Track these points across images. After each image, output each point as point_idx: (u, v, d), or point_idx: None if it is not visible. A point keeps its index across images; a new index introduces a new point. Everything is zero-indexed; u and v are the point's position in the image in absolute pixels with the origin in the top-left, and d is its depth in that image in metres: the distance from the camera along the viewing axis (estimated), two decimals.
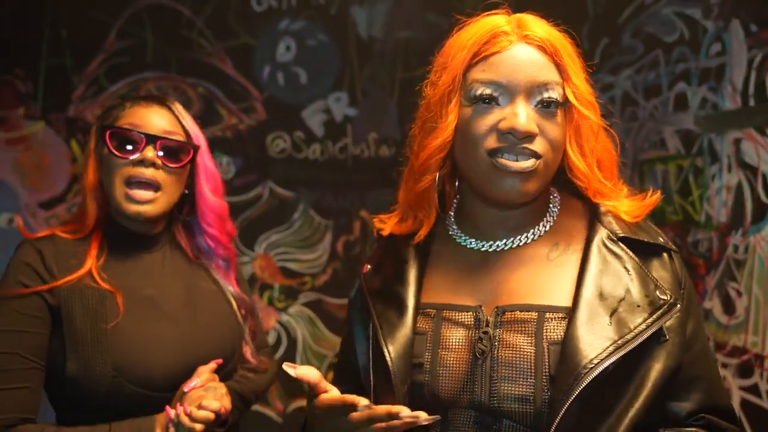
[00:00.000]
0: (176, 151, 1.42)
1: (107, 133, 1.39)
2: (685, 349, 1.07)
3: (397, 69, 2.77)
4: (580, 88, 1.08)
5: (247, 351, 1.54)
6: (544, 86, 1.06)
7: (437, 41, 3.06)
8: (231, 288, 1.54)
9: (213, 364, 1.40)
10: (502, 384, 1.03)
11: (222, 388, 1.37)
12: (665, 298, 1.05)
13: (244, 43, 2.68)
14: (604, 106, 1.15)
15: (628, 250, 1.09)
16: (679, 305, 1.05)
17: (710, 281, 2.03)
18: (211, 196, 1.49)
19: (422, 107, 1.18)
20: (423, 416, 0.97)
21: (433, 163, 1.15)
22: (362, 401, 0.98)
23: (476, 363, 1.05)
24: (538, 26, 1.10)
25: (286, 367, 1.02)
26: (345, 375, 1.29)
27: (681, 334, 1.06)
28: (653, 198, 1.15)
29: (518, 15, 1.13)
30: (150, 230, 1.46)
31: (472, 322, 1.09)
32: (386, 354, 1.08)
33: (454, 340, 1.08)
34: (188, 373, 1.37)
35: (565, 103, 1.08)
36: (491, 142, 1.07)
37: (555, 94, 1.06)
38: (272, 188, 2.75)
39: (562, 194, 1.19)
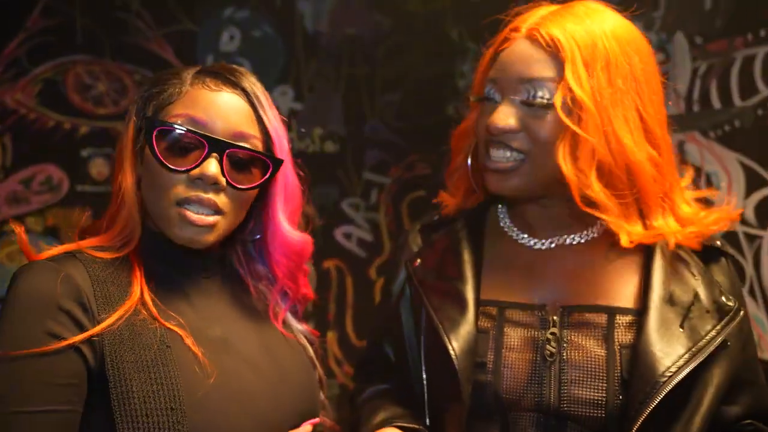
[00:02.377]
0: (249, 165, 1.03)
1: (155, 131, 1.00)
2: (741, 354, 1.08)
3: (343, 65, 2.75)
4: (576, 89, 1.01)
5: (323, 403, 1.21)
6: (530, 83, 1.04)
7: (381, 40, 3.08)
8: (299, 326, 1.20)
9: (308, 427, 1.08)
10: (573, 387, 1.02)
11: None
12: (731, 304, 1.05)
13: (186, 30, 2.54)
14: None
15: (693, 255, 1.09)
16: (742, 311, 1.07)
17: None
18: (288, 227, 1.11)
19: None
20: None
21: (460, 147, 1.20)
22: None
23: (544, 365, 1.04)
24: (560, 19, 1.05)
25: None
26: (379, 372, 1.25)
27: (740, 340, 1.07)
28: (652, 232, 1.07)
29: (564, 5, 1.12)
30: (206, 247, 1.08)
31: (537, 322, 1.07)
32: (450, 351, 1.05)
33: (517, 340, 1.07)
34: None
35: (552, 105, 1.03)
36: (485, 137, 1.10)
37: (543, 91, 1.03)
38: None
39: None
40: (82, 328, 0.92)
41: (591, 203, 1.05)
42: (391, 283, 1.25)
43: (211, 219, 1.01)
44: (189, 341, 0.98)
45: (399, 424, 1.09)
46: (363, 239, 2.81)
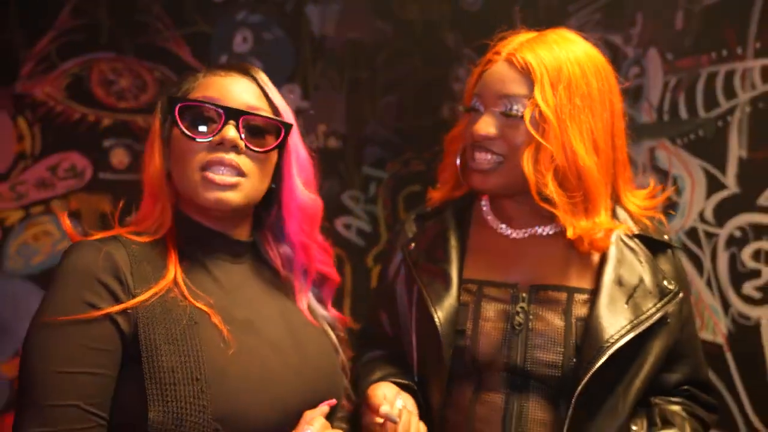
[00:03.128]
0: (263, 131, 1.13)
1: (177, 107, 1.10)
2: (680, 330, 1.28)
3: (346, 68, 2.95)
4: (542, 105, 1.18)
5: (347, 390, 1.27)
6: (506, 98, 1.22)
7: (381, 46, 3.31)
8: (324, 312, 1.27)
9: (325, 407, 1.12)
10: (536, 351, 1.21)
11: None
12: (671, 287, 1.24)
13: (202, 32, 2.73)
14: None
15: (641, 245, 1.28)
16: (681, 294, 1.26)
17: None
18: (303, 189, 1.19)
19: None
20: None
21: (451, 149, 1.38)
22: None
23: (513, 332, 1.23)
24: (535, 46, 1.23)
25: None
26: (376, 341, 1.45)
27: (679, 318, 1.27)
28: (607, 225, 1.24)
29: (540, 33, 1.31)
30: (234, 233, 1.17)
31: (509, 298, 1.26)
32: (436, 320, 1.25)
33: (492, 312, 1.26)
34: (297, 418, 1.08)
35: (523, 118, 1.21)
36: (468, 142, 1.31)
37: (518, 106, 1.21)
38: None
39: None
40: (118, 301, 1.00)
41: (546, 200, 1.23)
42: (387, 266, 1.45)
43: (233, 179, 1.09)
44: (216, 319, 1.04)
45: (393, 380, 1.28)
46: (362, 229, 3.00)
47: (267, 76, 1.20)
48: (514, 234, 1.34)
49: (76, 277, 1.00)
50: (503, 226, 1.35)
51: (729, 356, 2.02)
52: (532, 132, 1.20)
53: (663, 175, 2.27)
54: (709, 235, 2.10)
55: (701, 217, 2.12)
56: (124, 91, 2.61)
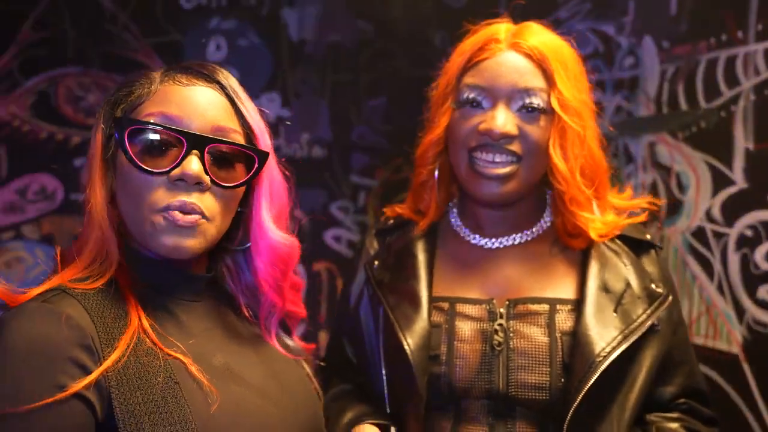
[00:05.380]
0: (232, 160, 0.96)
1: (127, 131, 0.91)
2: (672, 336, 1.18)
3: (327, 72, 2.82)
4: (565, 95, 1.15)
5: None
6: (526, 92, 1.14)
7: (364, 46, 3.16)
8: (292, 343, 1.15)
9: None
10: (519, 373, 1.10)
11: None
12: (660, 290, 1.15)
13: (173, 41, 2.61)
14: (605, 125, 1.27)
15: (624, 246, 1.19)
16: (671, 297, 1.16)
17: None
18: (274, 229, 1.03)
19: (428, 107, 1.27)
20: None
21: (428, 157, 1.25)
22: None
23: (492, 354, 1.12)
24: (533, 34, 1.18)
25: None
26: (341, 371, 1.32)
27: (670, 324, 1.16)
28: (626, 219, 1.22)
29: (522, 23, 1.23)
30: (191, 267, 1.02)
31: (486, 315, 1.15)
32: (405, 347, 1.13)
33: (468, 333, 1.15)
34: None
35: (548, 110, 1.16)
36: (471, 142, 1.17)
37: (537, 100, 1.14)
38: None
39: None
40: (86, 372, 0.84)
41: (563, 201, 1.17)
42: (348, 288, 1.32)
43: (195, 218, 0.93)
44: (193, 368, 0.91)
45: (369, 421, 1.16)
46: (353, 241, 2.87)
47: (241, 84, 1.03)
48: (489, 244, 1.23)
49: (37, 357, 0.82)
50: (476, 236, 1.23)
51: (746, 367, 1.86)
52: (569, 122, 1.13)
53: (665, 171, 2.12)
54: (718, 235, 1.95)
55: (708, 216, 1.97)
56: (92, 107, 2.49)
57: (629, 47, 2.23)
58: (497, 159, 1.15)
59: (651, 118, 2.15)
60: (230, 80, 1.01)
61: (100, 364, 0.85)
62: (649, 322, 1.11)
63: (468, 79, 1.19)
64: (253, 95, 1.02)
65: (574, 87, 1.18)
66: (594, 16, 2.40)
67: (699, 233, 1.99)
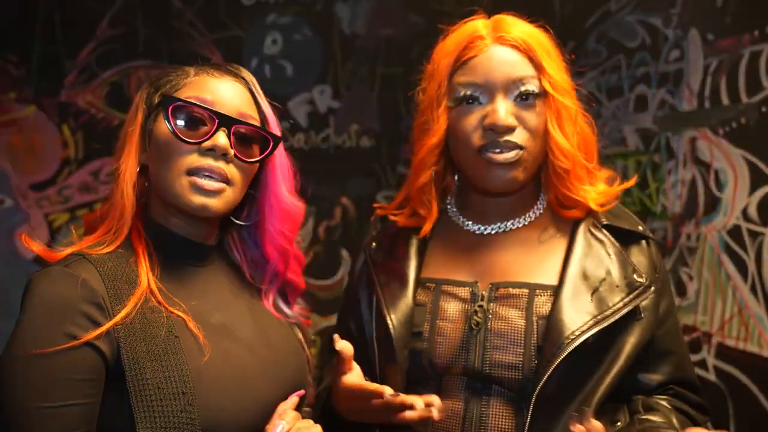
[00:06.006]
0: (251, 141, 1.13)
1: (171, 106, 1.07)
2: (658, 326, 1.19)
3: (378, 65, 2.90)
4: (555, 78, 1.19)
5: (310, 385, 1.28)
6: (520, 81, 1.17)
7: (416, 40, 3.21)
8: (289, 311, 1.28)
9: (295, 398, 1.15)
10: (494, 352, 1.14)
11: (315, 427, 1.11)
12: (641, 280, 1.16)
13: (233, 36, 2.78)
14: (586, 95, 1.29)
15: (610, 237, 1.21)
16: (653, 288, 1.17)
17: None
18: (288, 195, 1.20)
19: (418, 112, 1.31)
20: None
21: (429, 161, 1.27)
22: (388, 391, 1.06)
23: (471, 333, 1.16)
24: (513, 26, 1.21)
25: (335, 336, 1.13)
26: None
27: (655, 313, 1.18)
28: (619, 187, 1.28)
29: (495, 17, 1.24)
30: (205, 237, 1.17)
31: (469, 296, 1.20)
32: (389, 322, 1.20)
33: (451, 312, 1.20)
34: (272, 412, 1.11)
35: (542, 94, 1.19)
36: (477, 139, 1.20)
37: (531, 86, 1.17)
38: None
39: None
40: (97, 325, 0.98)
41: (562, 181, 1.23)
42: (353, 268, 1.41)
43: (219, 185, 1.08)
44: (193, 326, 1.05)
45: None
46: None
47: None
48: (481, 230, 1.28)
49: (54, 310, 0.98)
50: (469, 223, 1.28)
51: None
52: (563, 101, 1.19)
53: (704, 167, 2.06)
54: (754, 234, 1.89)
55: (745, 215, 1.91)
56: None
57: (675, 40, 2.18)
58: (507, 148, 1.19)
59: (693, 112, 2.09)
60: (251, 78, 1.19)
61: (110, 319, 1.00)
62: (625, 310, 1.13)
63: (460, 78, 1.21)
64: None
65: (559, 69, 1.22)
66: (643, 9, 2.35)
67: (735, 231, 1.94)
